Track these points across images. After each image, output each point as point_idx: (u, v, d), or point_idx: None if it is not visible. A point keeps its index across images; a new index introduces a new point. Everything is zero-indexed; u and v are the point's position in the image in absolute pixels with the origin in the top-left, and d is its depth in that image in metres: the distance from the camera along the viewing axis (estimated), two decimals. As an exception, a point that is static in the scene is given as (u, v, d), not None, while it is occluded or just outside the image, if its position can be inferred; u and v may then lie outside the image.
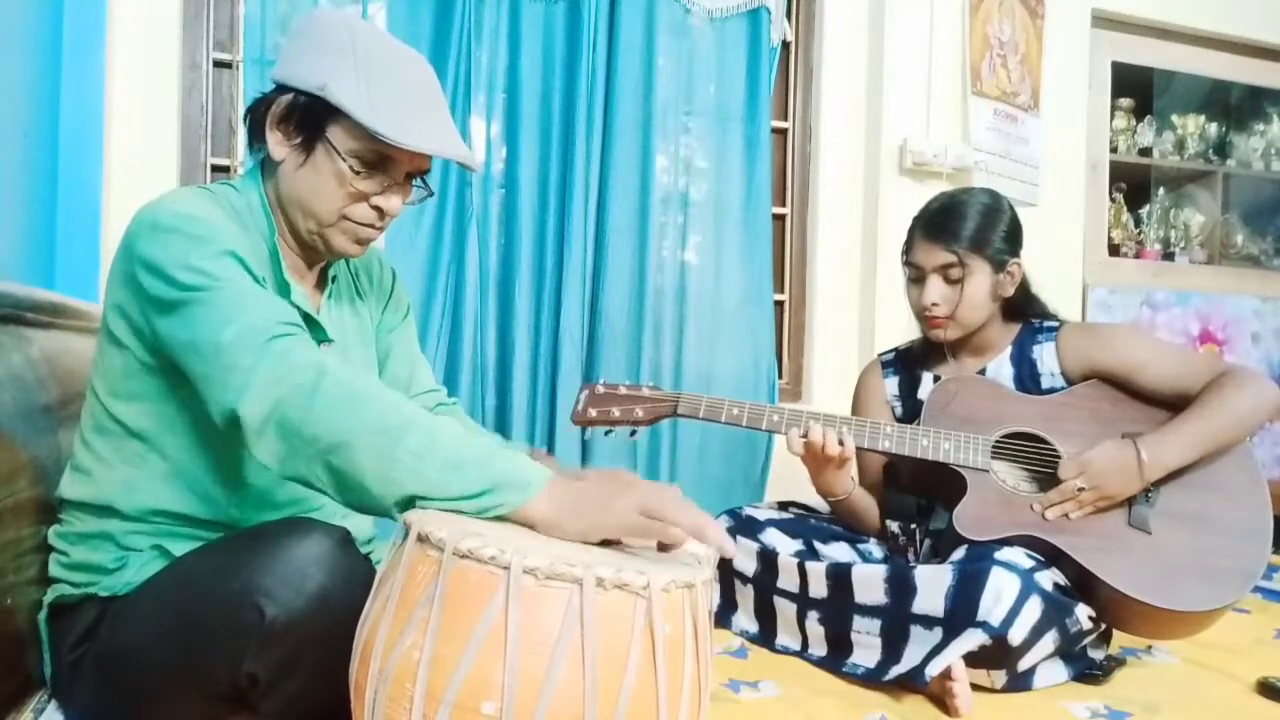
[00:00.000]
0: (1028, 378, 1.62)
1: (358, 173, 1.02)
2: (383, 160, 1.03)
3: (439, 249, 2.14)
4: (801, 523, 1.72)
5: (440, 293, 2.13)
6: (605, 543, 0.83)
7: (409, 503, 0.81)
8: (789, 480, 2.04)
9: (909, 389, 1.75)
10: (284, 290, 1.05)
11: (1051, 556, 1.41)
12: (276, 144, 1.03)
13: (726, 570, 1.63)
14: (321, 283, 1.16)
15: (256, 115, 1.04)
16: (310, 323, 1.08)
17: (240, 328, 0.87)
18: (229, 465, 1.01)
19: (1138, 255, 3.09)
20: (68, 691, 1.01)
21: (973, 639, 1.29)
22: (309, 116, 1.01)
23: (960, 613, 1.32)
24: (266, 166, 1.08)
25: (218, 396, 0.87)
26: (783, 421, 1.55)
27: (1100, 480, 1.43)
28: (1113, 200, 3.05)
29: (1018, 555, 1.37)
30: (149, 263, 0.92)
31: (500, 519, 0.81)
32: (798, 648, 1.53)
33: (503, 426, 2.18)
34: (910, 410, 1.72)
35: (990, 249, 1.58)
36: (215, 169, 2.08)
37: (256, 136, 1.05)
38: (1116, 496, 1.44)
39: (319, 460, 0.83)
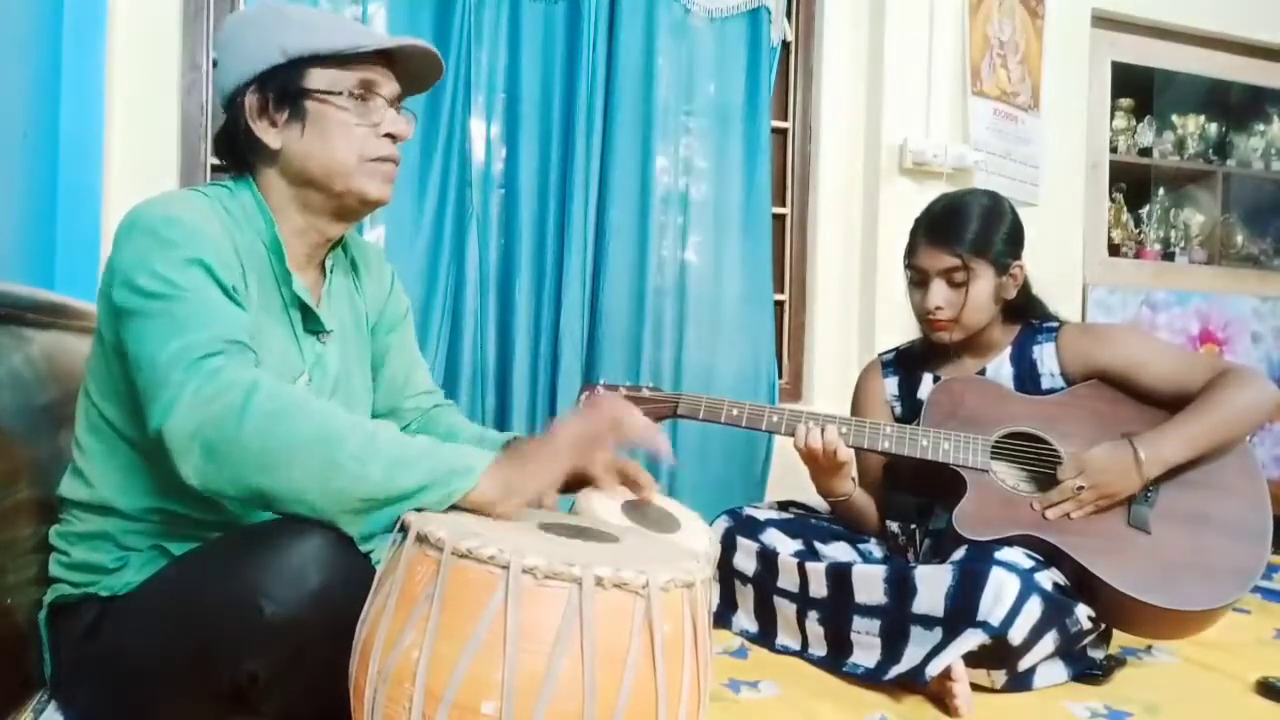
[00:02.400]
0: (1028, 378, 1.62)
1: (355, 98, 1.05)
2: (368, 86, 1.06)
3: (439, 249, 2.13)
4: (801, 523, 1.72)
5: (440, 293, 2.13)
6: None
7: (358, 510, 0.83)
8: (789, 480, 2.04)
9: (909, 389, 1.75)
10: (285, 279, 1.06)
11: (1051, 556, 1.41)
12: (268, 134, 1.04)
13: (727, 570, 1.63)
14: (322, 275, 1.17)
15: (230, 138, 1.07)
16: (309, 314, 1.09)
17: (179, 345, 0.87)
18: None
19: (1138, 255, 3.10)
20: (68, 691, 1.01)
21: (973, 639, 1.29)
22: (284, 87, 1.03)
23: (960, 613, 1.32)
24: (251, 169, 1.09)
25: (149, 413, 0.87)
26: (782, 422, 1.55)
27: (1099, 479, 1.43)
28: (1113, 200, 3.05)
29: (1018, 555, 1.37)
30: (119, 266, 0.94)
31: (454, 507, 0.84)
32: (798, 648, 1.53)
33: (503, 427, 2.17)
34: (910, 410, 1.72)
35: (993, 251, 1.58)
36: (215, 169, 2.07)
37: (235, 150, 1.07)
38: (1116, 496, 1.44)
39: (252, 479, 0.84)
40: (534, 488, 0.88)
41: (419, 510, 0.81)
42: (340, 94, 1.04)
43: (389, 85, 1.09)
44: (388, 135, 1.07)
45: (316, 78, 1.03)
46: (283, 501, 0.84)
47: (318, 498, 0.83)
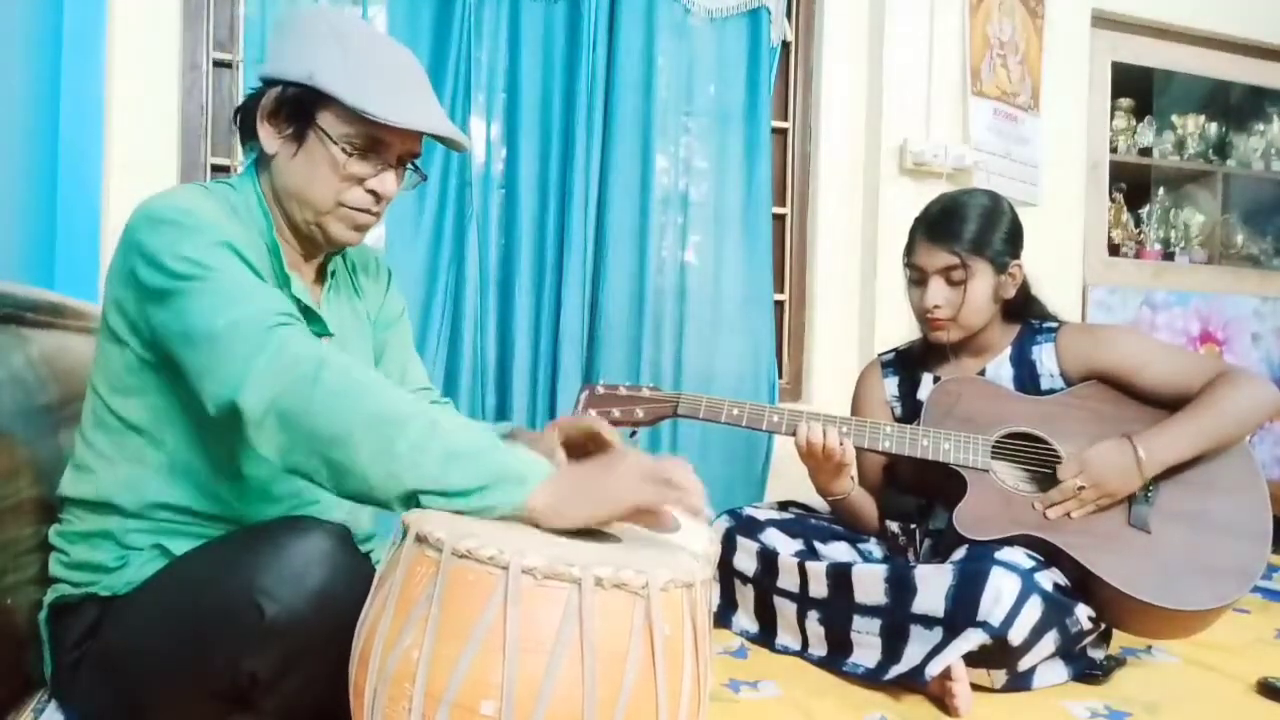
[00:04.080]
0: (1027, 378, 1.62)
1: (350, 154, 1.03)
2: (374, 143, 1.04)
3: (439, 249, 2.13)
4: (802, 523, 1.72)
5: (440, 293, 2.13)
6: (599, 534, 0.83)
7: (409, 497, 0.82)
8: (789, 480, 2.04)
9: (909, 389, 1.75)
10: (284, 282, 1.06)
11: (1051, 556, 1.41)
12: (268, 138, 1.04)
13: (727, 570, 1.63)
14: (321, 277, 1.17)
15: (247, 113, 1.06)
16: (311, 316, 1.09)
17: (235, 317, 0.87)
18: (227, 459, 1.01)
19: (1138, 255, 3.09)
20: (68, 691, 1.01)
21: (973, 639, 1.29)
22: (298, 106, 1.02)
23: (960, 613, 1.32)
24: (261, 164, 1.08)
25: (213, 388, 0.87)
26: (782, 422, 1.55)
27: (1100, 479, 1.43)
28: (1113, 200, 3.05)
29: (1018, 555, 1.37)
30: (145, 253, 0.93)
31: (503, 517, 0.81)
32: (798, 648, 1.53)
33: (502, 427, 2.18)
34: (910, 411, 1.72)
35: (991, 250, 1.58)
36: (215, 169, 2.08)
37: (248, 134, 1.07)
38: (1116, 494, 1.44)
39: (318, 454, 0.83)
40: (582, 520, 0.82)
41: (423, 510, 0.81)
42: (340, 146, 1.02)
43: (402, 146, 1.07)
44: (372, 191, 1.06)
45: (328, 118, 1.02)
46: (348, 476, 0.83)
47: (376, 479, 0.82)
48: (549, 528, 0.81)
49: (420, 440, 0.82)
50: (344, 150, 1.02)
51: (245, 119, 1.06)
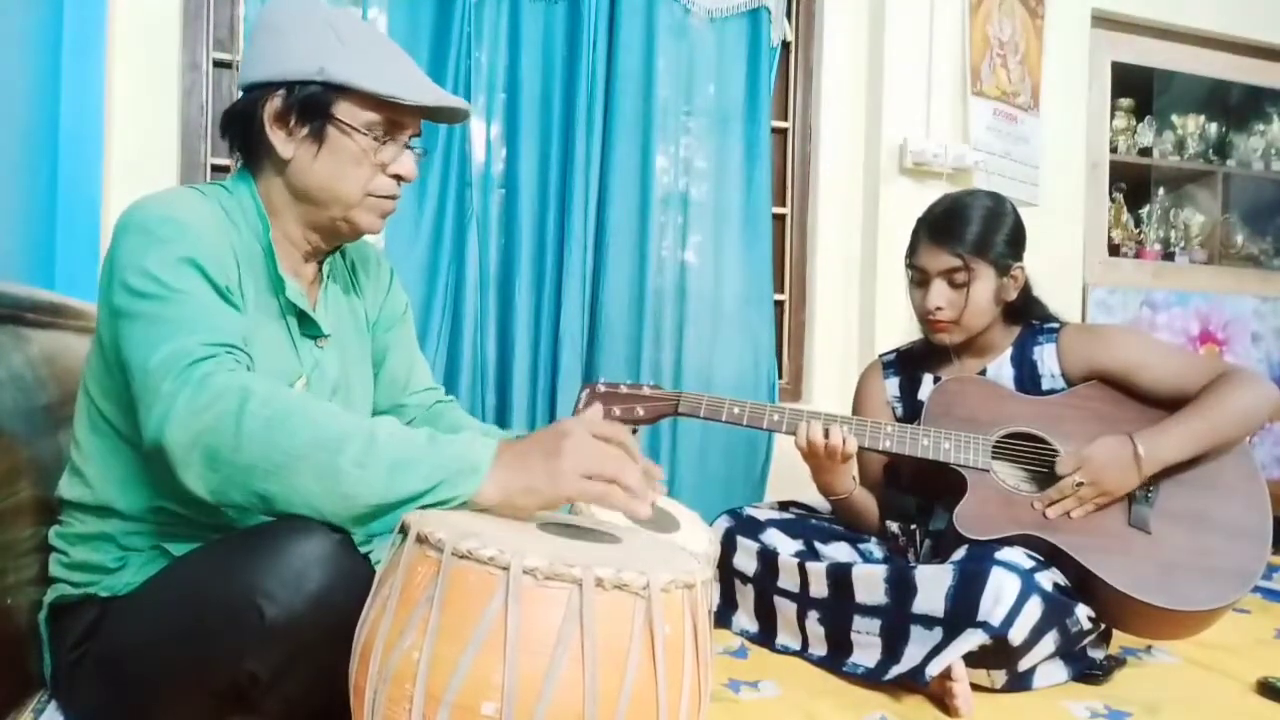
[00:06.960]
0: (1028, 379, 1.62)
1: (380, 141, 1.04)
2: (393, 127, 1.05)
3: (439, 249, 2.14)
4: (802, 523, 1.72)
5: (440, 293, 2.13)
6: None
7: (362, 515, 0.82)
8: (789, 480, 2.04)
9: (910, 390, 1.75)
10: (278, 285, 1.05)
11: (1051, 556, 1.41)
12: (282, 143, 1.02)
13: (727, 570, 1.63)
14: (318, 277, 1.16)
15: (244, 121, 1.03)
16: (306, 319, 1.09)
17: (168, 350, 0.86)
18: None
19: (1138, 255, 3.10)
20: (68, 691, 1.00)
21: (973, 639, 1.29)
22: (311, 104, 1.01)
23: (960, 613, 1.32)
24: (259, 167, 1.07)
25: (143, 423, 0.86)
26: (783, 421, 1.55)
27: (1098, 475, 1.43)
28: (1113, 200, 3.05)
29: (1018, 555, 1.37)
30: (115, 264, 0.93)
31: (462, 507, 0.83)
32: (798, 648, 1.53)
33: (502, 426, 2.17)
34: (911, 411, 1.72)
35: (994, 253, 1.58)
36: (215, 169, 2.08)
37: (245, 143, 1.05)
38: (1115, 492, 1.44)
39: (253, 487, 0.83)
40: (533, 507, 0.85)
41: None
42: (365, 134, 1.03)
43: (413, 125, 1.08)
44: (395, 175, 1.07)
45: (347, 110, 1.02)
46: (291, 507, 0.83)
47: (324, 504, 0.82)
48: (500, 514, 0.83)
49: (361, 456, 0.82)
50: (375, 138, 1.03)
51: (242, 127, 1.04)
